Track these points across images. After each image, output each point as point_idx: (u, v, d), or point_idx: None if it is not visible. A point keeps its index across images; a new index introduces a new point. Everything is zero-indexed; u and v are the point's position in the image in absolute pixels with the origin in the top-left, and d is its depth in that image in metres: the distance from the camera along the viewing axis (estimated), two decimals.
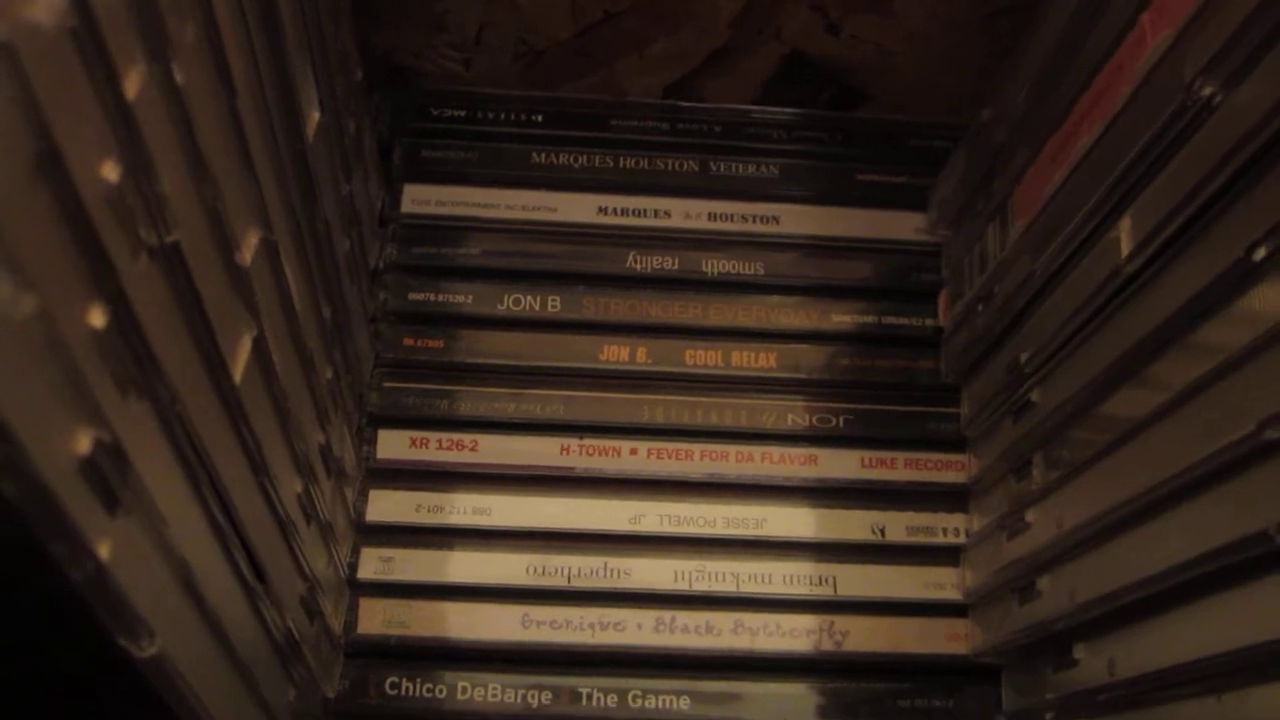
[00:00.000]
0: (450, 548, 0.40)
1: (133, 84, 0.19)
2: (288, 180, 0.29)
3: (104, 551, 0.18)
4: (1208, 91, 0.26)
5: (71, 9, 0.17)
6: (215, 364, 0.24)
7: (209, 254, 0.23)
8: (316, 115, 0.32)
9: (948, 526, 0.41)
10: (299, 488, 0.32)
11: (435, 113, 0.44)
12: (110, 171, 0.18)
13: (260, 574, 0.28)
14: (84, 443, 0.17)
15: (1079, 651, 0.33)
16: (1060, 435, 0.34)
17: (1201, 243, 0.27)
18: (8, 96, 0.15)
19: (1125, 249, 0.30)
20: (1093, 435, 0.32)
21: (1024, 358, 0.36)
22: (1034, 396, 0.36)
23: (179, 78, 0.21)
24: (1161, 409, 0.28)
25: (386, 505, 0.40)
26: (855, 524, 0.41)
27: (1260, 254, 0.25)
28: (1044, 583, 0.34)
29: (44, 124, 0.16)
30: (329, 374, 0.35)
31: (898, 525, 0.41)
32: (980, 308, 0.39)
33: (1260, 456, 0.24)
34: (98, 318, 0.18)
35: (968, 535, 0.41)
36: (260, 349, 0.27)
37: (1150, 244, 0.29)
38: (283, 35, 0.27)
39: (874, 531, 0.41)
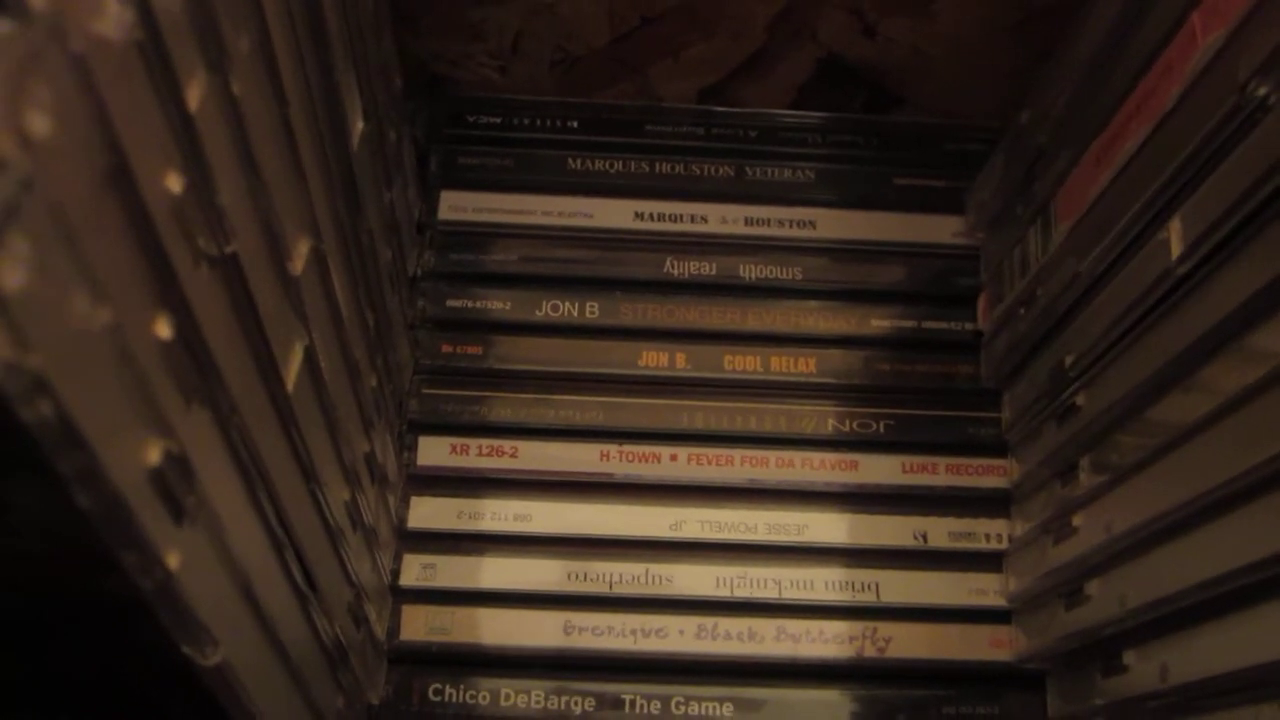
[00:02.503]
0: (491, 554, 0.40)
1: (194, 95, 0.19)
2: (335, 189, 0.29)
3: (172, 561, 0.18)
4: (1262, 92, 0.26)
5: (138, 22, 0.17)
6: (270, 373, 0.24)
7: (264, 263, 0.23)
8: (361, 124, 0.32)
9: (990, 532, 0.41)
10: (346, 495, 0.32)
11: (471, 120, 0.44)
12: (174, 183, 0.18)
13: (312, 581, 0.28)
14: (154, 453, 0.17)
15: (1129, 658, 0.33)
16: (1108, 439, 0.34)
17: (1256, 245, 0.27)
18: (81, 110, 0.15)
19: (1176, 251, 0.30)
20: (1142, 439, 0.32)
21: (1069, 361, 0.36)
22: (1079, 400, 0.36)
23: (236, 89, 0.21)
24: (1214, 414, 0.28)
25: (428, 512, 0.40)
26: (897, 530, 0.41)
27: None
28: (1092, 588, 0.34)
29: (114, 137, 0.16)
30: (373, 382, 0.35)
31: (939, 531, 0.41)
32: (1022, 311, 0.39)
33: None
34: (164, 328, 0.18)
35: (1010, 540, 0.40)
36: (311, 358, 0.27)
37: (1202, 246, 0.28)
38: (330, 45, 0.28)
39: (916, 537, 0.41)
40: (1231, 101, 0.27)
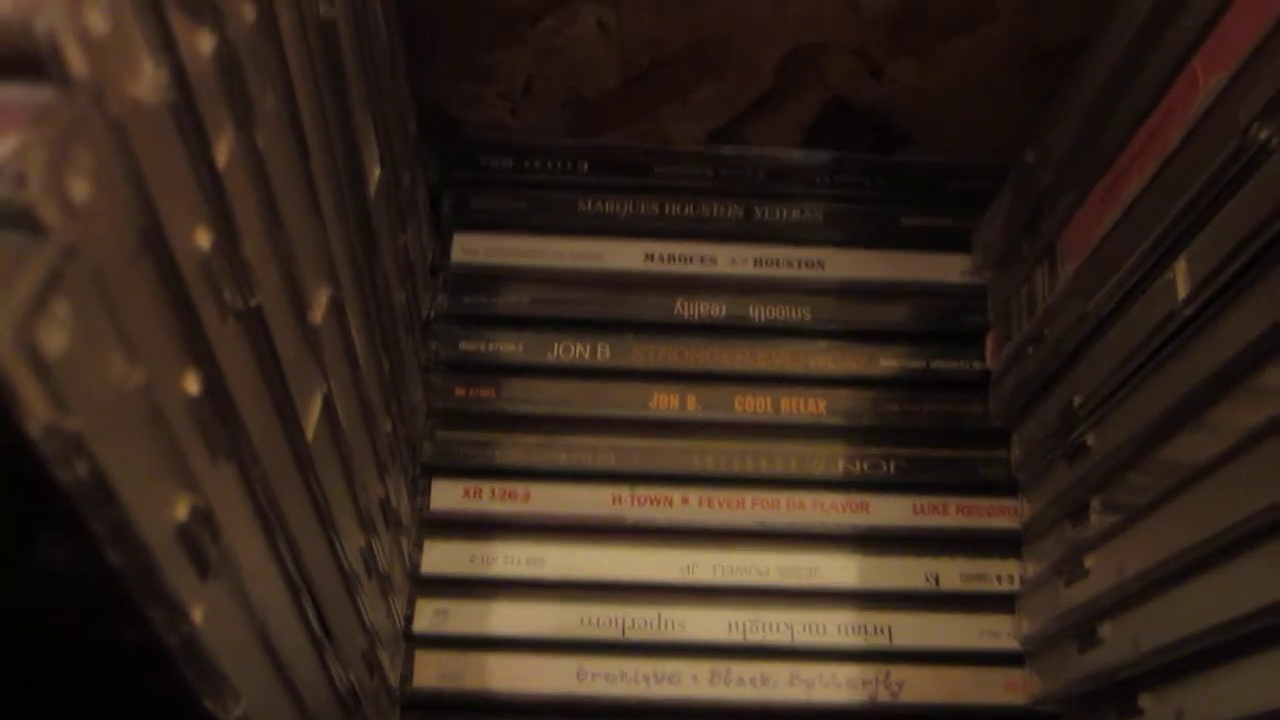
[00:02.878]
0: (504, 599, 0.40)
1: (223, 152, 0.19)
2: (352, 236, 0.29)
3: (197, 616, 0.18)
4: (1264, 135, 0.26)
5: (172, 84, 0.17)
6: (291, 423, 0.24)
7: (285, 315, 0.24)
8: (378, 171, 0.32)
9: (1001, 573, 0.41)
10: (362, 541, 0.32)
11: (483, 162, 0.45)
12: (203, 239, 0.19)
13: (327, 629, 0.28)
14: (182, 509, 0.17)
15: (1144, 701, 0.33)
16: (1118, 479, 0.34)
17: (1261, 286, 0.27)
18: (119, 174, 0.15)
19: (1182, 291, 0.30)
20: (1153, 479, 0.32)
21: (1077, 401, 0.36)
22: (1089, 440, 0.36)
23: (261, 143, 0.21)
24: (1225, 454, 0.28)
25: (441, 556, 0.40)
26: (909, 572, 0.41)
27: None
28: (1106, 630, 0.34)
29: (149, 198, 0.16)
30: (388, 426, 0.35)
31: (951, 572, 0.41)
32: (1030, 350, 0.39)
33: None
34: (193, 384, 0.18)
35: (1022, 582, 0.40)
36: (329, 405, 0.27)
37: (1208, 287, 0.29)
38: (349, 94, 0.28)
39: (928, 579, 0.41)
40: (1234, 144, 0.27)
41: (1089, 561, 0.35)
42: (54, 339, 0.13)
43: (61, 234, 0.13)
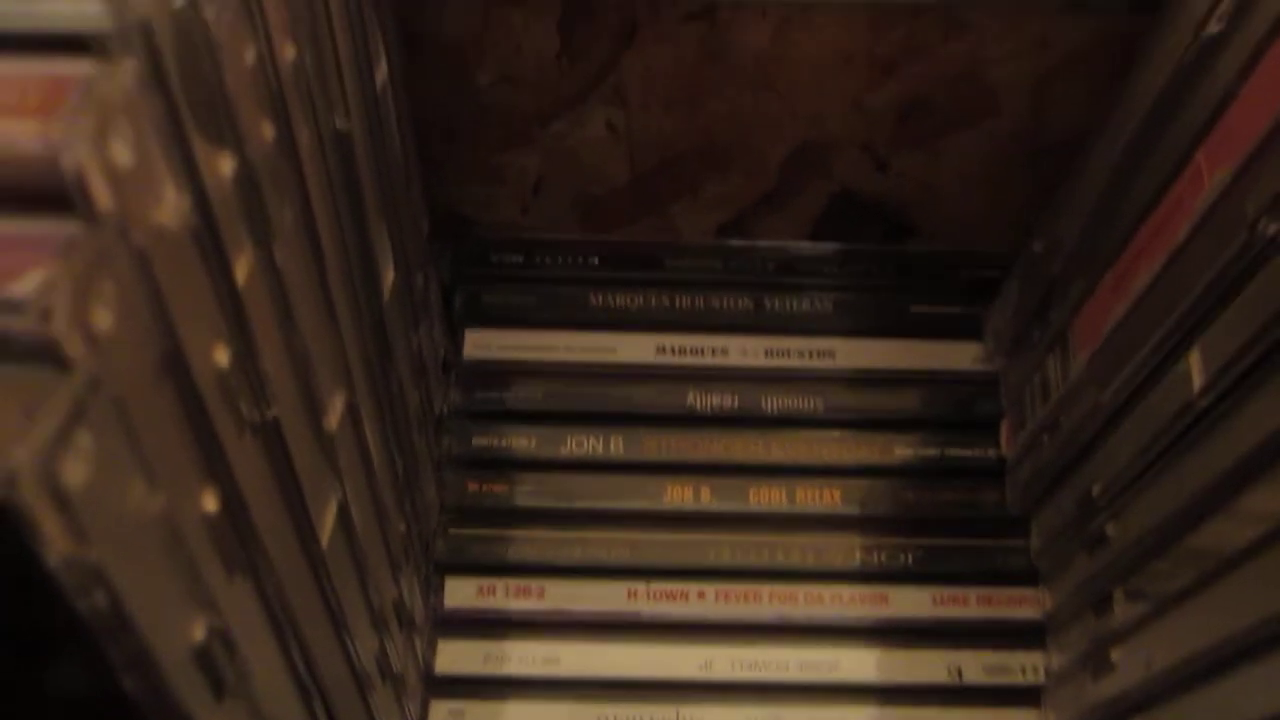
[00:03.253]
0: (519, 698, 0.39)
1: (242, 270, 0.20)
2: (367, 340, 0.30)
3: None
4: (1272, 230, 0.26)
5: (194, 208, 0.17)
6: (306, 532, 0.24)
7: (302, 424, 0.24)
8: (391, 274, 0.32)
9: (1025, 665, 0.40)
10: (375, 645, 0.32)
11: (494, 258, 0.45)
12: (221, 356, 0.19)
13: None
14: (199, 631, 0.17)
15: None
16: (1141, 570, 0.34)
17: (1278, 378, 0.27)
18: (142, 301, 0.15)
19: (1197, 383, 0.30)
20: (1179, 570, 0.31)
21: (1096, 490, 0.36)
22: (1109, 529, 0.36)
23: (279, 257, 0.22)
24: (1253, 545, 0.27)
25: (454, 656, 0.39)
26: (931, 665, 0.40)
27: None
28: None
29: (170, 321, 0.16)
30: (402, 527, 0.35)
31: (974, 665, 0.40)
32: (1046, 438, 0.39)
33: None
34: (211, 502, 0.18)
35: (1047, 674, 0.40)
36: (344, 511, 0.27)
37: (1223, 379, 0.29)
38: (364, 202, 0.28)
39: (950, 673, 0.40)
40: (1242, 238, 0.27)
41: (1115, 655, 0.35)
42: (76, 472, 0.13)
43: (85, 367, 0.14)
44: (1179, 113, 0.31)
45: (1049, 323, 0.39)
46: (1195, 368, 0.30)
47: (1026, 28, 0.36)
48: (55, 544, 0.13)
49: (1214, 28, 0.29)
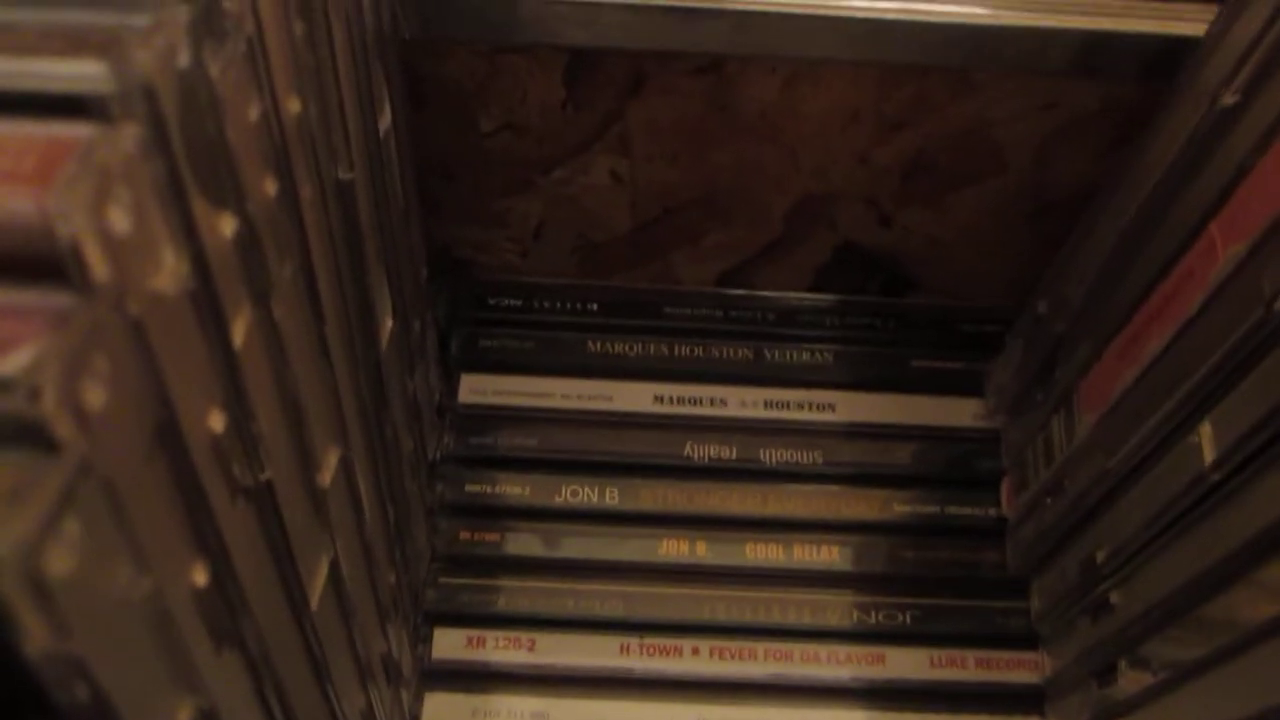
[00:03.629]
0: None
1: (239, 331, 0.19)
2: (363, 391, 0.29)
3: None
4: None
5: (192, 272, 0.17)
6: (296, 596, 0.23)
7: (295, 483, 0.23)
8: (389, 322, 0.32)
9: None
10: (362, 702, 0.31)
11: (492, 302, 0.45)
12: (216, 422, 0.18)
13: None
14: (184, 715, 0.16)
15: None
16: (1148, 641, 0.33)
17: None
18: (136, 375, 0.15)
19: (1209, 456, 0.29)
20: (1189, 644, 0.31)
21: (1100, 556, 0.35)
22: (1113, 597, 0.35)
23: (277, 314, 0.21)
24: (1271, 622, 0.27)
25: (442, 709, 0.38)
26: None
27: None
28: None
29: (165, 392, 0.16)
30: (392, 578, 0.34)
31: None
32: (1049, 501, 0.39)
33: None
34: (200, 576, 0.17)
35: None
36: (335, 569, 0.26)
37: (1236, 454, 0.28)
38: (364, 251, 0.28)
39: None
40: (1258, 315, 0.27)
41: None
42: (61, 562, 0.12)
43: (75, 449, 0.13)
44: (1192, 182, 0.30)
45: (1053, 383, 0.39)
46: (1207, 440, 0.30)
47: (1034, 90, 0.35)
48: (35, 638, 0.12)
49: (1229, 99, 0.29)
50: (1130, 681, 0.34)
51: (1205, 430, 0.30)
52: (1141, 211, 0.33)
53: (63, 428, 0.13)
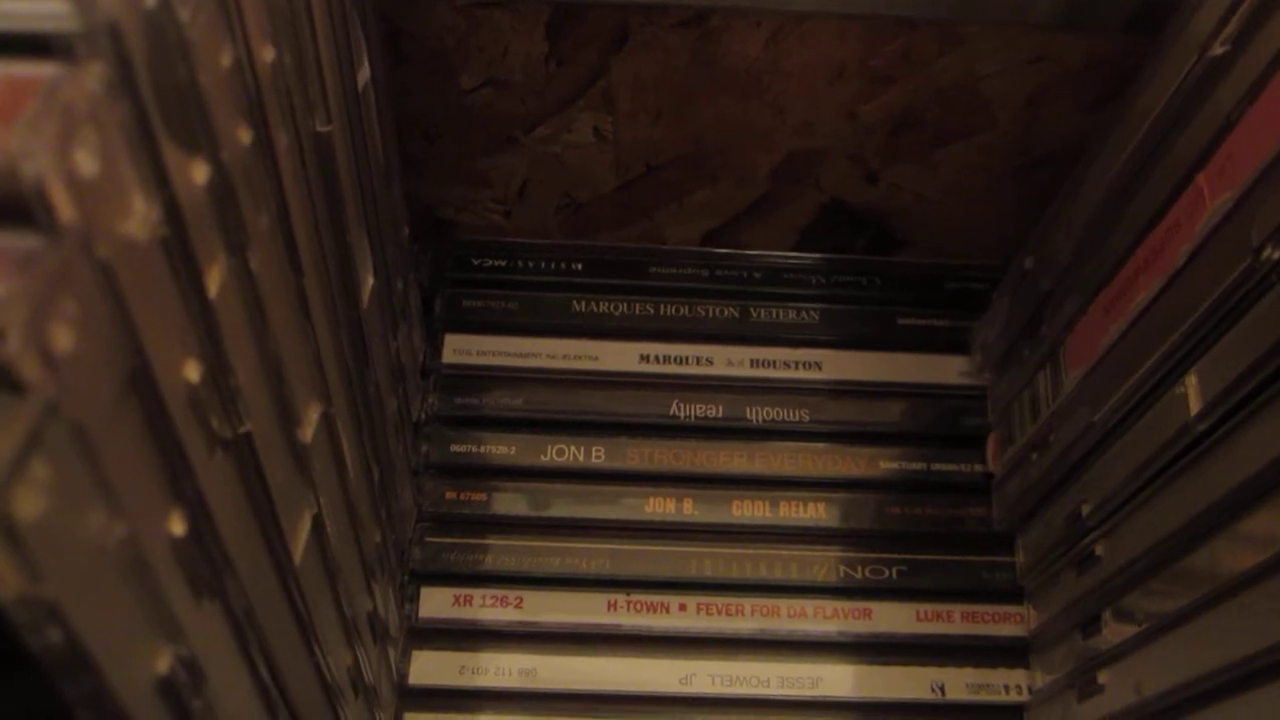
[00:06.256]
0: (495, 711, 0.38)
1: (214, 281, 0.19)
2: (344, 348, 0.29)
3: None
4: (1277, 257, 0.26)
5: (164, 219, 0.16)
6: (279, 549, 0.23)
7: (275, 437, 0.23)
8: (370, 280, 0.32)
9: (1009, 683, 0.40)
10: (348, 659, 0.31)
11: (476, 263, 0.44)
12: (191, 372, 0.18)
13: None
14: (163, 662, 0.16)
15: None
16: (1133, 592, 0.33)
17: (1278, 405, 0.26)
18: (105, 318, 0.15)
19: (1194, 407, 0.29)
20: (1173, 594, 0.31)
21: (1086, 509, 0.35)
22: (1099, 549, 0.35)
23: (254, 265, 0.21)
24: (1252, 571, 0.27)
25: (429, 667, 0.39)
26: (914, 682, 0.39)
27: None
28: None
29: (136, 338, 0.16)
30: (377, 536, 0.34)
31: (957, 682, 0.40)
32: (1035, 456, 0.39)
33: None
34: (177, 525, 0.17)
35: (1030, 692, 0.39)
36: (318, 525, 0.26)
37: (1222, 404, 0.28)
38: (344, 206, 0.28)
39: (933, 690, 0.39)
40: (1245, 264, 0.27)
41: (1103, 677, 0.34)
42: (30, 505, 0.12)
43: (42, 391, 0.13)
44: (1180, 133, 0.30)
45: (1040, 339, 0.39)
46: (1193, 391, 0.30)
47: (1021, 43, 0.35)
48: (6, 581, 0.12)
49: (1218, 50, 0.29)
50: (1114, 632, 0.34)
51: (1191, 381, 0.30)
52: (1129, 164, 0.32)
53: (29, 369, 0.12)
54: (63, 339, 0.13)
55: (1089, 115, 0.38)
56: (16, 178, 0.13)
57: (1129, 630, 0.33)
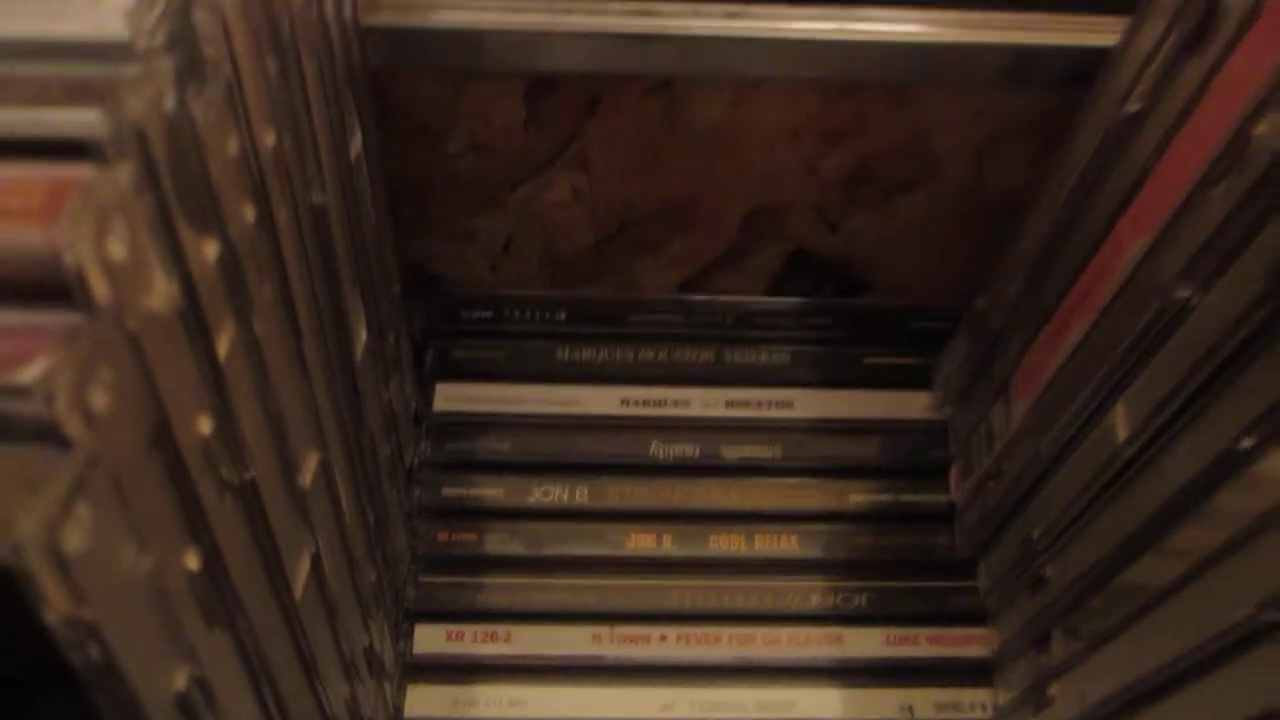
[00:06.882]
0: None
1: (224, 345, 0.21)
2: (340, 400, 0.31)
3: None
4: (1184, 294, 0.29)
5: (182, 293, 0.19)
6: (280, 585, 0.25)
7: (277, 483, 0.25)
8: (364, 335, 0.34)
9: (974, 701, 0.42)
10: (346, 692, 0.33)
11: (465, 314, 0.47)
12: (204, 426, 0.20)
13: None
14: (181, 680, 0.19)
15: None
16: (1077, 609, 0.36)
17: (1193, 431, 0.29)
18: (134, 383, 0.17)
19: (1122, 434, 0.32)
20: (1110, 609, 0.33)
21: (1036, 533, 0.38)
22: (1048, 571, 0.37)
23: (258, 330, 0.23)
24: (1175, 583, 0.29)
25: (424, 701, 0.41)
26: (884, 703, 0.41)
27: (1248, 443, 0.26)
28: None
29: (159, 399, 0.18)
30: (373, 576, 0.36)
31: (925, 703, 0.42)
32: (990, 484, 0.41)
33: (1261, 637, 0.25)
34: (193, 561, 0.20)
35: (994, 710, 0.41)
36: (317, 564, 0.28)
37: (1144, 431, 0.31)
38: (339, 270, 0.30)
39: (902, 710, 0.41)
40: (1157, 302, 0.29)
41: (1053, 690, 0.36)
42: (75, 540, 0.15)
43: (84, 445, 0.15)
44: (1104, 184, 0.33)
45: (993, 374, 0.41)
46: (1121, 420, 0.32)
47: (964, 101, 0.38)
48: (56, 605, 0.15)
49: (1133, 106, 0.31)
50: (1062, 648, 0.36)
51: (1119, 410, 0.32)
52: (1062, 212, 0.35)
53: (73, 427, 0.15)
54: (99, 401, 0.16)
55: (1035, 165, 0.40)
56: (60, 265, 0.16)
57: (1075, 646, 0.35)
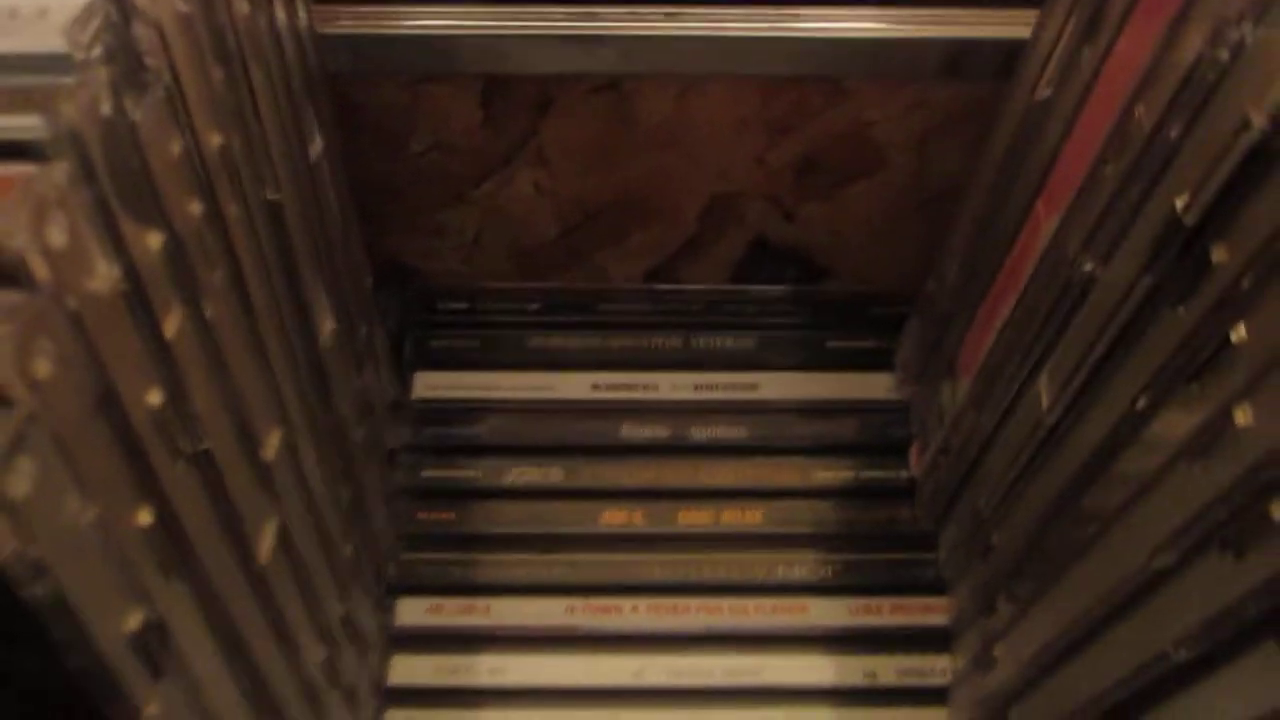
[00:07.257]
0: (469, 707, 0.43)
1: (171, 325, 0.23)
2: (304, 383, 0.33)
3: (151, 710, 0.21)
4: (1089, 267, 0.30)
5: (123, 277, 0.21)
6: (243, 549, 0.28)
7: (236, 455, 0.27)
8: (331, 324, 0.36)
9: (935, 668, 0.44)
10: (322, 656, 0.35)
11: (440, 305, 0.49)
12: (154, 398, 0.23)
13: None
14: (134, 620, 0.21)
15: None
16: (1017, 573, 0.37)
17: (1101, 398, 0.31)
18: (76, 355, 0.19)
19: (1045, 403, 0.34)
20: (1037, 573, 0.35)
21: (982, 504, 0.40)
22: (994, 539, 0.39)
23: (209, 313, 0.25)
24: (1086, 543, 0.31)
25: (408, 669, 0.43)
26: (848, 669, 0.43)
27: (1142, 404, 0.28)
28: (1014, 715, 0.37)
29: (103, 370, 0.20)
30: (349, 551, 0.39)
31: (888, 669, 0.44)
32: (942, 459, 0.43)
33: (1157, 583, 0.27)
34: (145, 517, 0.22)
35: (952, 675, 0.43)
36: (284, 533, 0.31)
37: (1061, 400, 0.32)
38: (297, 261, 0.32)
39: (866, 676, 0.43)
40: (1065, 275, 0.31)
41: (997, 651, 0.38)
42: (19, 487, 0.17)
43: (26, 405, 0.17)
44: (1022, 167, 0.35)
45: (942, 354, 0.43)
46: (1044, 391, 0.34)
47: (900, 94, 0.40)
48: (3, 543, 0.17)
49: (1044, 92, 0.33)
50: (1005, 613, 0.38)
51: (1043, 381, 0.34)
52: (989, 196, 0.37)
53: (15, 390, 0.17)
54: (42, 368, 0.18)
55: (972, 153, 0.42)
56: (2, 250, 0.18)
57: (1013, 608, 0.37)
